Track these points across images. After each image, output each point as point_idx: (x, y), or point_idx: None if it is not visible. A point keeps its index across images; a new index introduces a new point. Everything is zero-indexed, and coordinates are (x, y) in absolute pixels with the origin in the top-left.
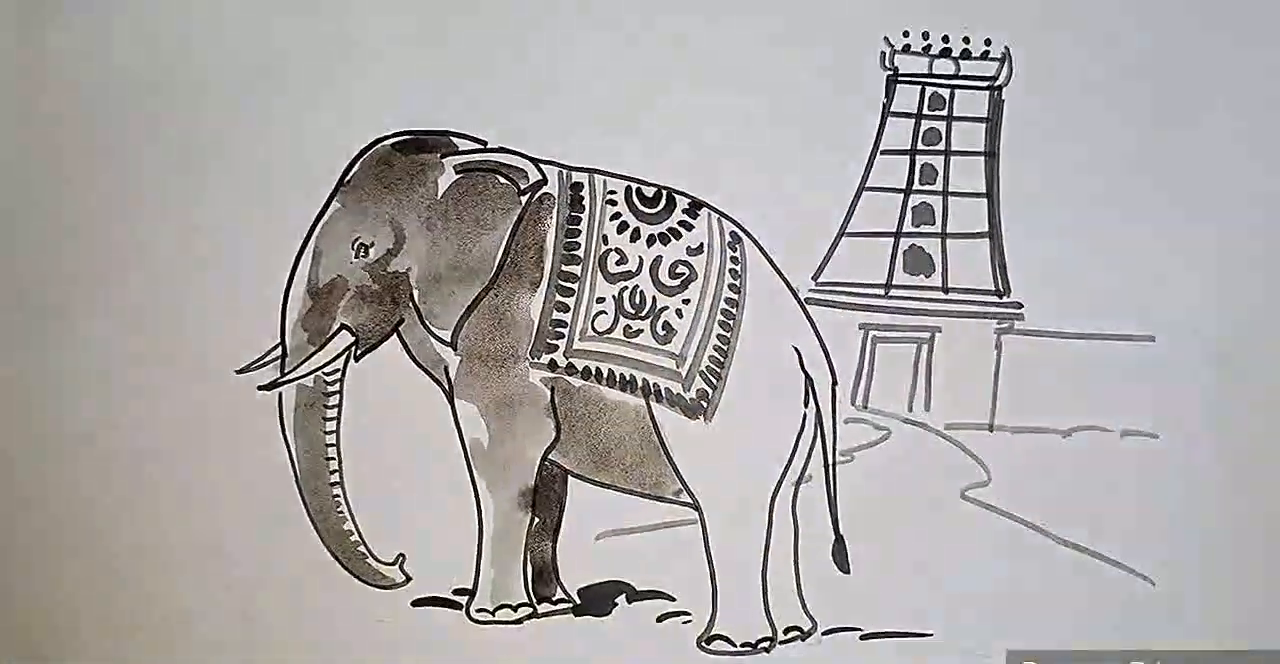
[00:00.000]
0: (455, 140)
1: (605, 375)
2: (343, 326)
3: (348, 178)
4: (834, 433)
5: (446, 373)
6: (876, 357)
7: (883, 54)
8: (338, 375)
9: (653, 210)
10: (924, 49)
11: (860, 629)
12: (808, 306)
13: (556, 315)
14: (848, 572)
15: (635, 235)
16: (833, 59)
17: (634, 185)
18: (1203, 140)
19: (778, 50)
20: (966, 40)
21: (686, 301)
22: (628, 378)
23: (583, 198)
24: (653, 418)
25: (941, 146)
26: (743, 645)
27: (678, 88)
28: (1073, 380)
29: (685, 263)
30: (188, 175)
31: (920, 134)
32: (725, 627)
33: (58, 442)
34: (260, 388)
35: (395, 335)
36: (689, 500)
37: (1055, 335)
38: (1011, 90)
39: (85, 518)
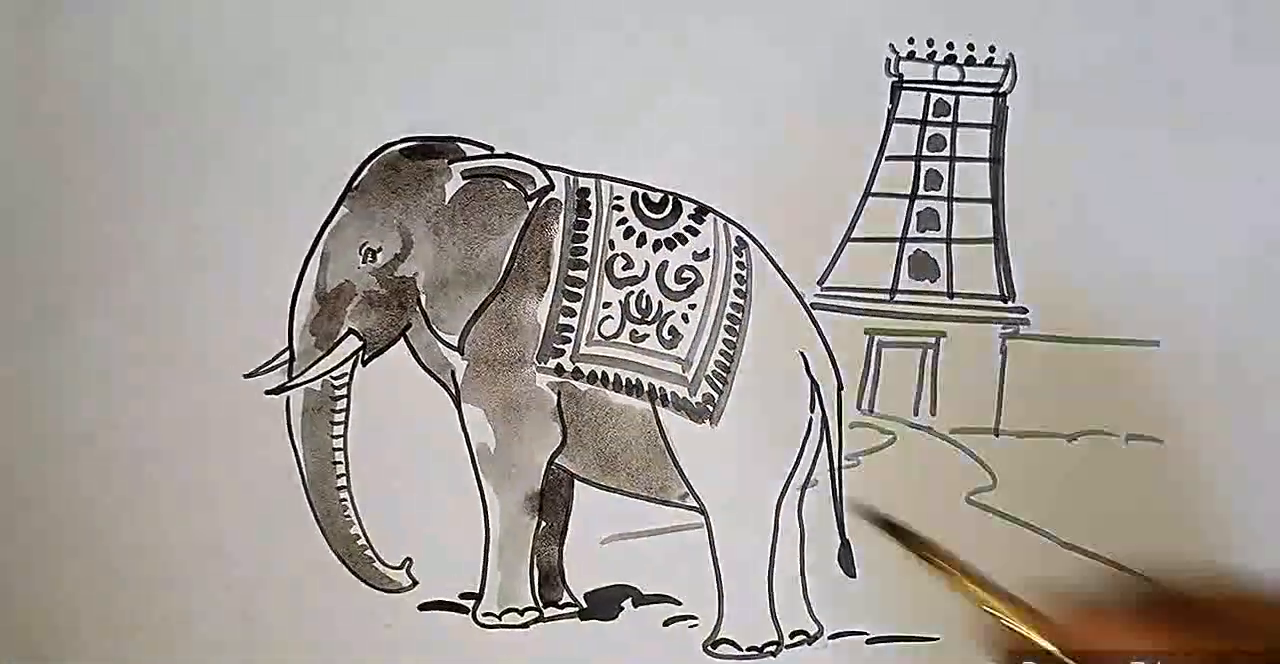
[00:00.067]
0: (462, 146)
1: (611, 380)
2: (350, 331)
3: (355, 183)
4: (839, 437)
5: (453, 377)
6: (882, 361)
7: (887, 60)
8: (345, 379)
9: (659, 216)
10: (929, 55)
11: (866, 633)
12: (813, 311)
13: (563, 320)
14: (854, 576)
15: (641, 240)
16: (837, 65)
17: (640, 191)
18: (1208, 147)
19: (781, 55)
20: (971, 47)
21: (693, 306)
22: (634, 382)
23: (589, 203)
24: (659, 422)
25: (946, 152)
26: (749, 649)
27: (678, 88)
28: (1077, 385)
29: (691, 268)
30: (188, 176)
31: (925, 140)
32: (731, 631)
33: (58, 442)
34: (268, 392)
35: (402, 340)
36: (695, 504)
37: (1060, 340)
38: (1016, 97)
39: (85, 518)
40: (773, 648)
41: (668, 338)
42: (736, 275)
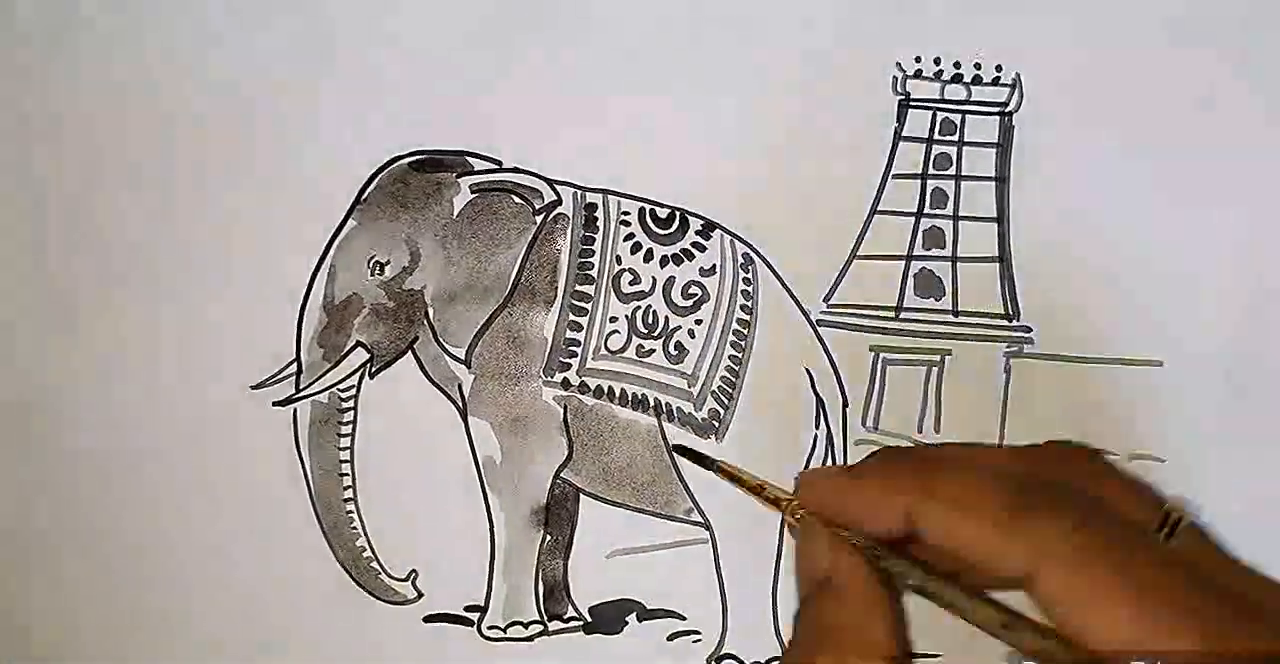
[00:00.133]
0: (470, 160)
1: (618, 394)
2: (358, 344)
3: (364, 196)
4: (844, 454)
5: (460, 390)
6: (887, 379)
7: (894, 78)
8: (352, 392)
9: (666, 231)
10: (935, 74)
11: None
12: (819, 328)
13: (570, 334)
14: None
15: (649, 256)
16: (843, 83)
17: (648, 206)
18: (1213, 169)
19: (787, 73)
20: (978, 66)
21: (699, 322)
22: (640, 397)
23: (597, 218)
24: (664, 437)
25: (952, 171)
26: None
27: (684, 105)
28: (1080, 403)
29: (698, 284)
30: (197, 188)
31: (931, 158)
32: (735, 646)
33: (58, 442)
34: (276, 403)
35: (410, 353)
36: (700, 520)
37: (1064, 359)
38: (1022, 116)
39: (89, 525)
40: (776, 663)
41: (674, 353)
42: (743, 291)
